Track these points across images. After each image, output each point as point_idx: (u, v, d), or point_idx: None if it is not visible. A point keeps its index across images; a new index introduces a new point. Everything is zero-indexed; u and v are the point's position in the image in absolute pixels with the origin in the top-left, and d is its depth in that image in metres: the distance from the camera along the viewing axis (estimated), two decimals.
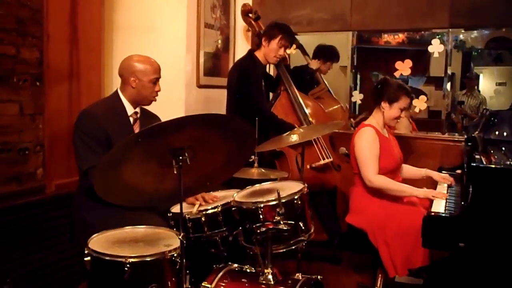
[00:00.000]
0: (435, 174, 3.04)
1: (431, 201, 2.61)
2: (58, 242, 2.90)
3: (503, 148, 2.76)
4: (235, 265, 2.23)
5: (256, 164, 2.62)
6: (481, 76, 7.10)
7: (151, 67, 2.42)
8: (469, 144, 2.78)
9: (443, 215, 2.26)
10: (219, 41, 3.98)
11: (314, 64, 4.10)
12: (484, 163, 2.34)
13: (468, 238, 2.16)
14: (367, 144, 2.79)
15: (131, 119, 2.46)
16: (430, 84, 6.58)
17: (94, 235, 1.95)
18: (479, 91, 6.35)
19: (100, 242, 1.89)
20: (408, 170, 3.12)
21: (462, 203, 2.23)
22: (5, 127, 2.60)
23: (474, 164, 2.18)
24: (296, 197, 2.16)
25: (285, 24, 3.44)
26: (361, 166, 2.79)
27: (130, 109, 2.46)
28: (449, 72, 3.99)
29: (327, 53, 4.22)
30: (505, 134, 2.99)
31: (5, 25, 2.56)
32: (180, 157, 1.72)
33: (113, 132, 2.33)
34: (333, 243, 3.49)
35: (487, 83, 7.14)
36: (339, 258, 3.61)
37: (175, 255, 1.81)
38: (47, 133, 2.84)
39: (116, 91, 2.48)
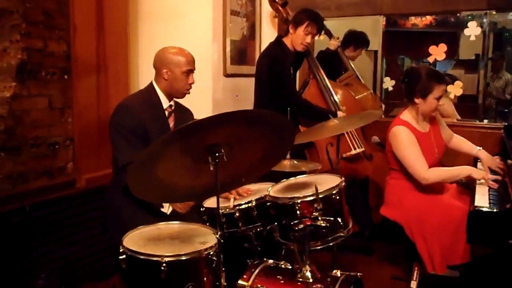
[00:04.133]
0: (485, 160, 2.81)
1: (473, 194, 2.49)
2: (89, 236, 2.90)
3: None
4: (271, 261, 2.17)
5: (288, 156, 2.56)
6: None
7: (184, 59, 2.36)
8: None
9: (491, 210, 2.15)
10: (245, 29, 3.89)
11: (332, 44, 3.90)
12: None
13: None
14: (406, 145, 2.64)
15: (166, 112, 2.42)
16: (460, 67, 6.38)
17: (128, 231, 1.92)
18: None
19: (134, 240, 1.86)
20: (461, 144, 2.97)
21: None
22: (35, 121, 2.58)
23: None
24: (334, 191, 2.08)
25: (314, 11, 3.32)
26: (409, 168, 2.63)
27: (165, 102, 2.42)
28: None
29: (358, 40, 4.09)
30: None
31: (32, 18, 2.53)
32: (217, 154, 1.66)
33: (150, 125, 2.29)
34: (364, 235, 3.43)
35: None
36: (371, 249, 3.54)
37: (211, 253, 1.77)
38: (76, 127, 2.82)
39: (151, 83, 2.43)
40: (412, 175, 2.65)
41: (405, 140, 2.64)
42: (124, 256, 1.77)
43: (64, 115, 2.75)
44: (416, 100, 2.69)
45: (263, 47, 3.87)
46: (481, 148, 2.91)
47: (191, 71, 2.38)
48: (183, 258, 1.72)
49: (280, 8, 3.67)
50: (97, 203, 2.79)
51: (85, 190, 2.88)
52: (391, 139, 2.72)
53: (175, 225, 2.03)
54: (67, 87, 2.76)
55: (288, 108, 2.70)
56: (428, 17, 6.55)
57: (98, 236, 2.81)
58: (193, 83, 2.40)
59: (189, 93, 2.44)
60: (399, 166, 2.72)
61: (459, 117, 4.08)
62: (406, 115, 2.77)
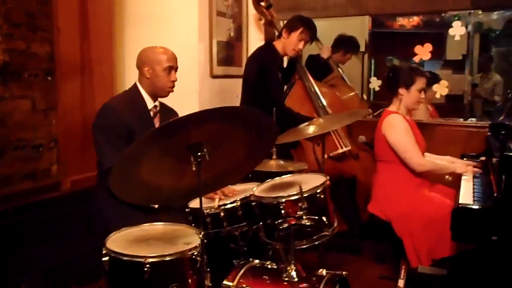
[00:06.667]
0: (458, 167, 2.85)
1: (458, 190, 2.52)
2: (75, 239, 2.87)
3: None
4: (256, 261, 2.16)
5: (274, 156, 2.55)
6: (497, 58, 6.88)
7: (164, 56, 2.35)
8: (503, 132, 2.65)
9: (474, 207, 2.16)
10: (232, 30, 3.88)
11: (325, 53, 3.92)
12: None
13: (502, 231, 2.07)
14: (402, 132, 2.73)
15: (151, 113, 2.40)
16: (447, 67, 6.43)
17: (112, 233, 1.90)
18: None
19: (118, 241, 1.84)
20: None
21: (495, 194, 2.13)
22: (18, 123, 2.55)
23: (508, 154, 2.07)
24: (318, 190, 2.07)
25: (309, 18, 3.32)
26: (405, 154, 2.71)
27: (150, 103, 2.40)
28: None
29: (349, 44, 4.10)
30: None
31: (14, 19, 2.50)
32: (199, 153, 1.65)
33: (135, 126, 2.27)
34: (353, 233, 3.43)
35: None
36: (359, 248, 3.55)
37: (195, 253, 1.76)
38: (61, 128, 2.79)
39: (135, 84, 2.42)
40: (407, 162, 2.71)
41: (401, 127, 2.73)
42: (107, 258, 1.75)
43: (48, 117, 2.72)
44: (400, 91, 2.79)
45: (250, 48, 3.89)
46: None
47: (172, 67, 2.36)
48: (167, 258, 1.70)
49: (264, 10, 3.67)
50: (82, 205, 2.76)
51: (70, 192, 2.85)
52: (386, 127, 2.77)
53: (159, 226, 2.01)
54: (51, 89, 2.73)
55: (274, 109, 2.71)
56: (415, 18, 6.59)
57: (84, 239, 2.78)
58: (175, 80, 2.38)
59: (172, 91, 2.42)
60: (389, 156, 2.76)
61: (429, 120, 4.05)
62: (393, 107, 2.86)
